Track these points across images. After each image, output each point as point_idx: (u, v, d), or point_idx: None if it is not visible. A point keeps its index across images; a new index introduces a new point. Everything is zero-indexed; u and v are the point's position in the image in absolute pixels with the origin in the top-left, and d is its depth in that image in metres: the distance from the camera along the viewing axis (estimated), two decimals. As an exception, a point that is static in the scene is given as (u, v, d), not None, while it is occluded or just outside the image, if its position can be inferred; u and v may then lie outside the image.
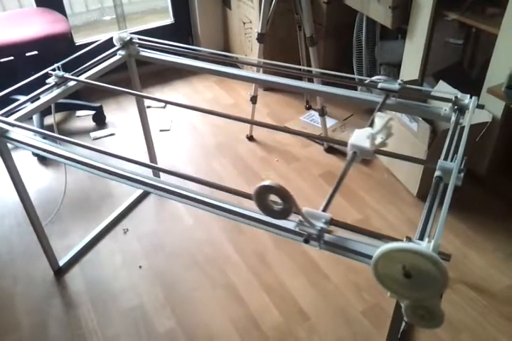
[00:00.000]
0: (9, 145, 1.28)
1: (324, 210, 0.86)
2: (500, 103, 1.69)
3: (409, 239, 0.77)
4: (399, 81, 1.22)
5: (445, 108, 1.18)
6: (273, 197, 0.78)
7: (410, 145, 1.83)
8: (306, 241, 0.83)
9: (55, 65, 1.37)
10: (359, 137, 0.97)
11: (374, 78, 1.25)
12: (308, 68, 1.97)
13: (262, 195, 0.78)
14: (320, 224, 0.82)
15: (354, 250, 0.83)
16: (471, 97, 1.15)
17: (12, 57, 2.16)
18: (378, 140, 0.97)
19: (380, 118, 1.00)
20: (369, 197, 1.93)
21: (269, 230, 0.92)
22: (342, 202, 1.90)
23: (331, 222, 0.83)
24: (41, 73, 1.36)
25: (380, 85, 1.23)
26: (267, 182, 0.77)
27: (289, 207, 0.78)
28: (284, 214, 0.80)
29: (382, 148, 0.97)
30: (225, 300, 1.54)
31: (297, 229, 0.84)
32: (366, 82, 1.27)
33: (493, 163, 1.90)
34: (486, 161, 1.89)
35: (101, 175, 1.09)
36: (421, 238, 0.80)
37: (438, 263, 0.71)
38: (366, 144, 0.96)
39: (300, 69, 2.01)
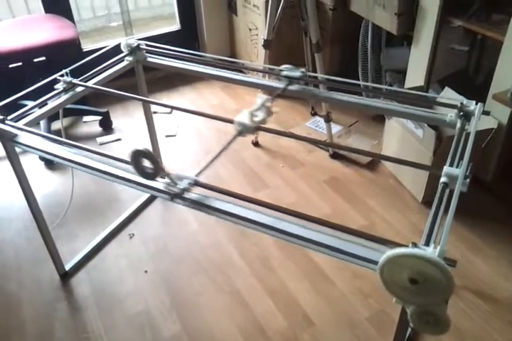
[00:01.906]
0: (17, 150, 1.29)
1: (197, 175, 1.00)
2: (506, 109, 1.70)
3: (414, 245, 0.77)
4: (301, 70, 1.36)
5: (450, 114, 1.18)
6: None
7: (416, 152, 1.84)
8: (172, 199, 0.98)
9: (64, 71, 1.38)
10: (242, 116, 1.12)
11: (282, 67, 1.37)
12: (314, 74, 1.98)
13: (136, 159, 0.93)
14: (184, 184, 0.96)
15: (359, 255, 0.83)
16: (476, 103, 1.15)
17: (20, 63, 2.18)
18: (259, 118, 1.13)
19: (259, 99, 1.16)
20: (374, 203, 1.93)
21: (274, 234, 0.92)
22: (347, 208, 1.90)
23: (196, 183, 0.97)
24: (50, 79, 1.37)
25: (283, 73, 1.36)
26: (139, 148, 0.92)
27: (156, 168, 0.93)
28: (153, 176, 0.95)
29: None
30: (230, 304, 1.54)
31: (164, 188, 0.98)
32: (275, 71, 1.40)
33: (499, 169, 1.90)
34: (491, 167, 1.89)
35: (108, 179, 1.10)
36: (427, 244, 0.81)
37: (444, 269, 0.71)
38: (247, 121, 1.12)
39: (306, 76, 2.02)
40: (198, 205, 0.97)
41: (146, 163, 0.93)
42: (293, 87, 1.36)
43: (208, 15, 2.84)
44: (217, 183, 0.95)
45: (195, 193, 0.98)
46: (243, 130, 1.12)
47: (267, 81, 1.47)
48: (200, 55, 1.51)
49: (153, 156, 0.92)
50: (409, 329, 1.33)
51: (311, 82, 1.38)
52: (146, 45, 1.55)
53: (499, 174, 1.91)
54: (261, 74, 2.37)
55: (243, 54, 2.87)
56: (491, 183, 1.92)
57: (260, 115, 1.14)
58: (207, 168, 1.04)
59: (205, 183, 0.97)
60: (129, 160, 0.93)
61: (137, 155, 0.92)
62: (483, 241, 1.73)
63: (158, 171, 0.94)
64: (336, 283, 1.59)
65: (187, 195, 0.98)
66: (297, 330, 1.45)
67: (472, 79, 2.28)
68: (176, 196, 0.97)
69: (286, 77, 1.35)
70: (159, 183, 1.01)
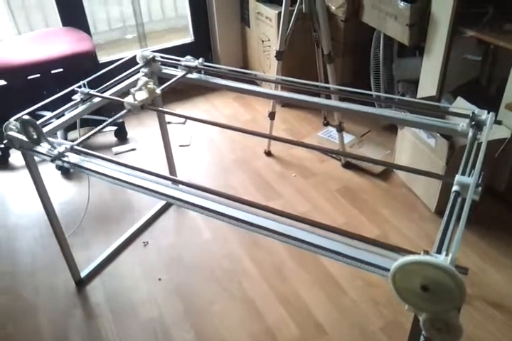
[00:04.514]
0: (36, 159, 1.32)
1: (78, 144, 1.20)
2: (518, 119, 1.70)
3: (426, 253, 0.77)
4: (199, 60, 1.52)
5: (462, 124, 1.19)
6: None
7: (428, 161, 1.84)
8: (53, 160, 1.17)
9: (81, 82, 1.42)
10: (129, 97, 1.31)
11: (182, 58, 1.54)
12: (326, 85, 1.99)
13: (24, 127, 1.16)
14: (61, 149, 1.16)
15: (372, 262, 0.84)
16: (488, 113, 1.16)
17: (38, 75, 2.22)
18: (142, 97, 1.31)
19: (140, 81, 1.33)
20: (387, 212, 1.93)
21: (286, 241, 0.93)
22: (360, 218, 1.91)
23: (73, 149, 1.17)
24: (68, 90, 1.41)
25: (183, 63, 1.53)
26: (26, 117, 1.16)
27: (39, 134, 1.17)
28: (37, 141, 1.19)
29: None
30: (243, 313, 1.55)
31: (46, 152, 1.18)
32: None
33: (513, 178, 1.89)
34: (505, 177, 1.88)
35: (125, 187, 1.12)
36: (438, 251, 0.81)
37: (455, 276, 0.71)
38: (131, 100, 1.30)
39: (317, 87, 2.04)
40: (76, 166, 1.16)
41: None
42: (192, 76, 1.53)
43: (221, 28, 2.88)
44: (229, 192, 0.97)
45: (75, 157, 1.18)
46: (131, 108, 1.31)
47: (279, 91, 1.49)
48: (213, 67, 1.54)
49: (37, 125, 1.16)
50: (422, 338, 1.33)
51: (211, 72, 1.53)
52: (161, 56, 1.58)
53: (513, 183, 1.90)
54: (273, 84, 2.40)
55: (256, 65, 2.90)
56: (505, 193, 1.91)
57: (142, 95, 1.32)
58: (90, 137, 1.27)
59: (81, 149, 1.18)
60: (19, 128, 1.16)
61: (25, 124, 1.15)
62: (497, 250, 1.72)
63: (40, 137, 1.17)
64: (348, 292, 1.59)
65: (66, 158, 1.17)
66: (310, 340, 1.45)
67: (485, 89, 2.28)
68: (56, 158, 1.16)
69: (185, 66, 1.53)
70: (43, 148, 1.20)
